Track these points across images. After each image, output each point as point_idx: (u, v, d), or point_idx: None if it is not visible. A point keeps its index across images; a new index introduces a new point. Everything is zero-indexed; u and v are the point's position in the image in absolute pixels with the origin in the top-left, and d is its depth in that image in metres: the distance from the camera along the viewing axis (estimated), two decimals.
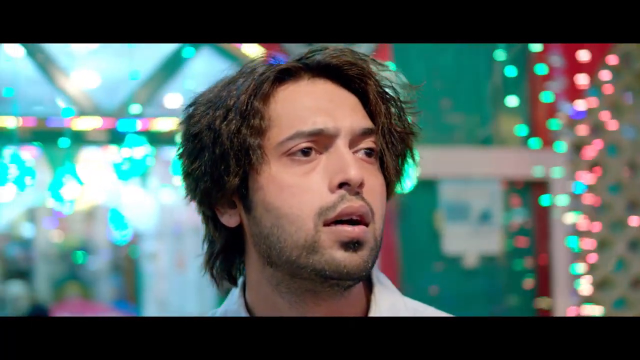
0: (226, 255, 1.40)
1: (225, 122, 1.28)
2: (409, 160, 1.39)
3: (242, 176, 1.28)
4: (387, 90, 1.35)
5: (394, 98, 1.35)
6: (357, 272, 1.25)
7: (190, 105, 1.35)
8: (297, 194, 1.25)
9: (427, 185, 4.36)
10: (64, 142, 3.69)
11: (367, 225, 1.26)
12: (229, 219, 1.35)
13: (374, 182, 1.29)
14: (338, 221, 1.24)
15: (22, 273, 8.64)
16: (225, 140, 1.28)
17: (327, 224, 1.24)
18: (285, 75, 1.32)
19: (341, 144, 1.27)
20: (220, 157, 1.28)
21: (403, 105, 1.36)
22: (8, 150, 3.33)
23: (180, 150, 1.36)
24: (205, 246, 1.42)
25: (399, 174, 1.36)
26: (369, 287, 1.41)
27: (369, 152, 1.30)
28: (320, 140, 1.27)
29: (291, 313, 1.31)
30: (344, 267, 1.24)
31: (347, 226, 1.24)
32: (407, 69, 4.19)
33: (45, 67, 4.06)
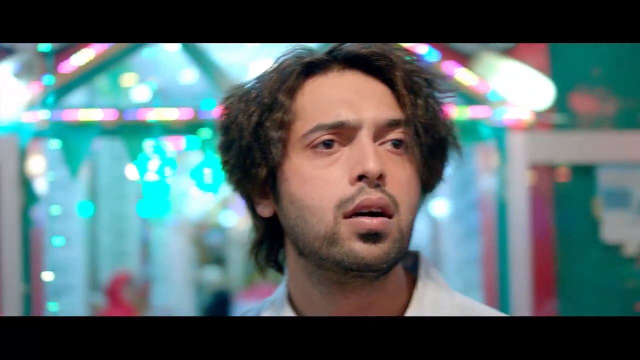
0: (269, 244, 1.43)
1: (248, 116, 1.31)
2: (445, 152, 1.36)
3: (270, 168, 1.31)
4: (418, 81, 1.32)
5: (422, 89, 1.32)
6: (377, 263, 1.25)
7: (227, 99, 1.38)
8: (319, 186, 1.26)
9: (585, 171, 4.22)
10: (207, 132, 3.82)
11: (390, 217, 1.25)
12: (263, 210, 1.37)
13: (400, 174, 1.28)
14: (358, 213, 1.24)
15: (219, 260, 8.99)
16: (247, 134, 1.30)
17: (346, 216, 1.25)
18: (314, 68, 1.33)
19: (364, 136, 1.27)
20: (246, 150, 1.31)
21: (433, 97, 1.33)
22: (151, 142, 3.48)
23: (218, 143, 1.40)
24: (252, 235, 1.45)
25: (429, 165, 1.33)
26: (415, 280, 1.39)
27: (397, 144, 1.29)
28: (344, 133, 1.27)
29: (323, 304, 1.32)
30: (362, 258, 1.24)
31: (366, 218, 1.24)
32: (567, 56, 4.08)
33: (201, 61, 4.21)
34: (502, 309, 4.19)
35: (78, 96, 6.23)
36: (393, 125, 1.29)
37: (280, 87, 1.30)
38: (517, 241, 4.20)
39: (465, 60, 4.24)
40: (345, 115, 1.27)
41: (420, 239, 8.05)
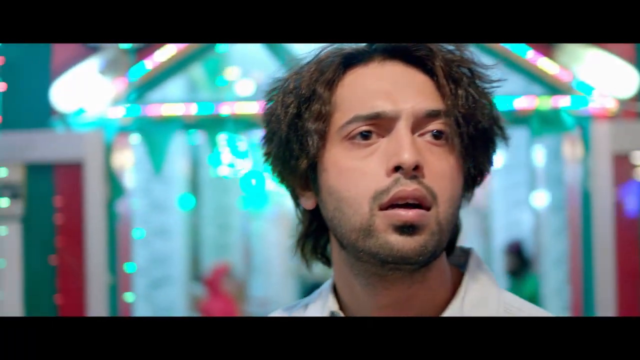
0: (314, 236, 1.42)
1: (285, 108, 1.31)
2: (489, 144, 1.33)
3: (309, 160, 1.30)
4: (458, 70, 1.29)
5: (463, 78, 1.29)
6: (413, 256, 1.22)
7: (269, 91, 1.37)
8: (355, 177, 1.25)
9: None
10: None
11: (427, 209, 1.23)
12: (306, 202, 1.36)
13: (440, 165, 1.25)
14: (394, 205, 1.22)
15: None
16: (284, 126, 1.30)
17: (382, 207, 1.22)
18: (354, 59, 1.32)
19: (401, 126, 1.24)
20: (285, 142, 1.31)
21: (475, 86, 1.30)
22: (224, 135, 3.52)
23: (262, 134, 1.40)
24: (298, 227, 1.44)
25: (473, 157, 1.30)
26: (462, 277, 1.36)
27: (437, 135, 1.26)
28: (381, 124, 1.25)
29: (364, 295, 1.31)
30: (397, 251, 1.22)
31: (401, 210, 1.22)
32: None
33: (280, 55, 4.25)
34: (586, 304, 4.11)
35: (177, 90, 6.38)
36: (432, 115, 1.26)
37: (319, 78, 1.29)
38: (601, 234, 4.10)
39: (548, 49, 4.16)
40: (381, 105, 1.25)
41: (522, 230, 7.94)
